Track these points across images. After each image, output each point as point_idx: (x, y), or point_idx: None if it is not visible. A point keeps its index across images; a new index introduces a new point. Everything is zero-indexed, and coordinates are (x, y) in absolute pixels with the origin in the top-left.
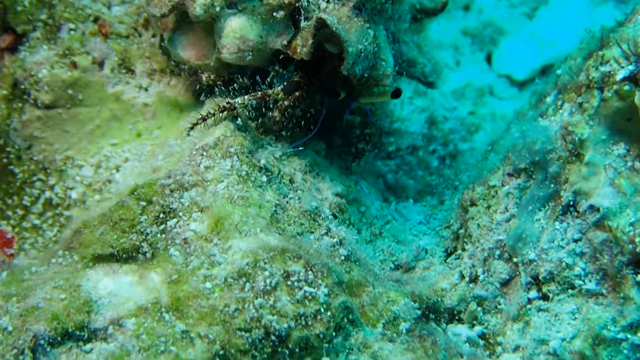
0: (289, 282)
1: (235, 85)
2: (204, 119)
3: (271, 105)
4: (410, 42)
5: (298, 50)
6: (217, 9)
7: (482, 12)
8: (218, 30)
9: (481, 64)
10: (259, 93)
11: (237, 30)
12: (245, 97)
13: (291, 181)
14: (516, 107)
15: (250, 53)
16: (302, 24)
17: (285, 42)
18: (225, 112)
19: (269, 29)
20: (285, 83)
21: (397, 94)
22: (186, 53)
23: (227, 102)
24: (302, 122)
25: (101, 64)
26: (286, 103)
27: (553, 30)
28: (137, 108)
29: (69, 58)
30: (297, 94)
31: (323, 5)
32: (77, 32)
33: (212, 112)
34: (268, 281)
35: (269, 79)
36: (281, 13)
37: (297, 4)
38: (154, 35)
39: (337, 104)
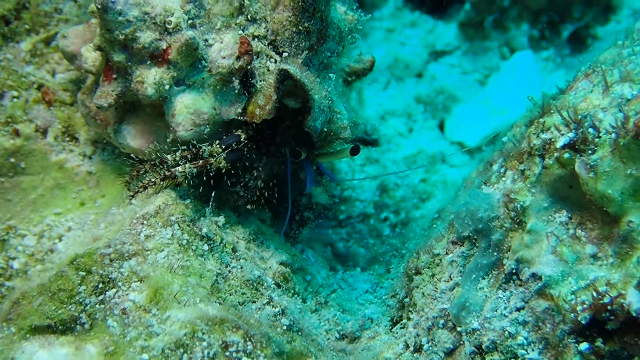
0: (227, 353)
1: (176, 154)
2: (145, 187)
3: (229, 182)
4: (346, 105)
5: (257, 112)
6: (167, 87)
7: (435, 79)
8: (169, 111)
9: (434, 131)
10: (200, 162)
11: (190, 106)
12: (187, 165)
13: (234, 250)
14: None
15: (207, 126)
16: (259, 84)
17: (239, 110)
18: (167, 181)
19: (222, 99)
20: (228, 151)
21: (355, 150)
22: (136, 142)
23: (168, 171)
24: (265, 192)
25: (44, 132)
26: (247, 177)
27: (504, 98)
28: (81, 176)
29: (11, 126)
30: (260, 162)
31: (272, 66)
32: (20, 99)
33: (152, 180)
34: (206, 352)
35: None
36: (235, 81)
37: (248, 67)
38: None
39: (284, 171)
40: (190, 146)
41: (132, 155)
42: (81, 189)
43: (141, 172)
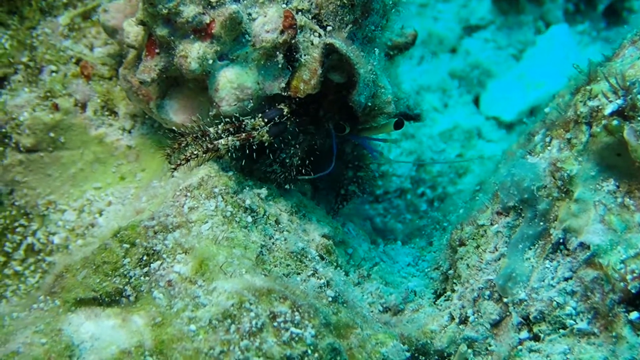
0: (275, 324)
1: (219, 126)
2: (187, 160)
3: (270, 157)
4: (389, 79)
5: (301, 87)
6: (210, 61)
7: (469, 55)
8: (212, 85)
9: (469, 106)
10: (243, 134)
11: (234, 80)
12: (229, 138)
13: (277, 222)
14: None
15: (251, 101)
16: (303, 58)
17: (283, 85)
18: (209, 154)
19: (265, 74)
20: (271, 124)
21: (399, 124)
22: (179, 117)
23: (211, 143)
24: (302, 169)
25: (84, 106)
26: (284, 155)
27: (540, 72)
28: (121, 150)
29: (50, 100)
30: (299, 138)
31: (316, 40)
32: (59, 74)
33: (195, 152)
34: (254, 322)
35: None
36: (279, 55)
37: (292, 41)
38: None
39: (325, 145)
40: (233, 119)
41: (174, 129)
42: (121, 163)
43: (183, 144)
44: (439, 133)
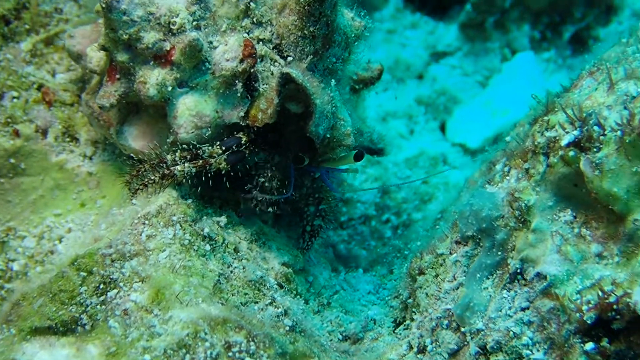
0: (230, 353)
1: (176, 153)
2: (145, 185)
3: (247, 187)
4: (352, 112)
5: (259, 116)
6: (169, 88)
7: (435, 81)
8: (171, 112)
9: (435, 132)
10: (200, 161)
11: (193, 108)
12: (186, 165)
13: (236, 250)
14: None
15: (209, 129)
16: (262, 87)
17: (242, 114)
18: (166, 180)
19: (224, 102)
20: (229, 153)
21: (359, 156)
22: (138, 143)
23: (167, 170)
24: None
25: (45, 133)
26: (262, 179)
27: (506, 99)
28: (81, 177)
29: (11, 126)
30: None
31: (275, 70)
32: (20, 100)
33: (152, 178)
34: (209, 352)
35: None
36: (238, 84)
37: (251, 70)
38: None
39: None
40: (191, 146)
41: (132, 155)
42: (81, 189)
43: (141, 171)
44: (404, 159)
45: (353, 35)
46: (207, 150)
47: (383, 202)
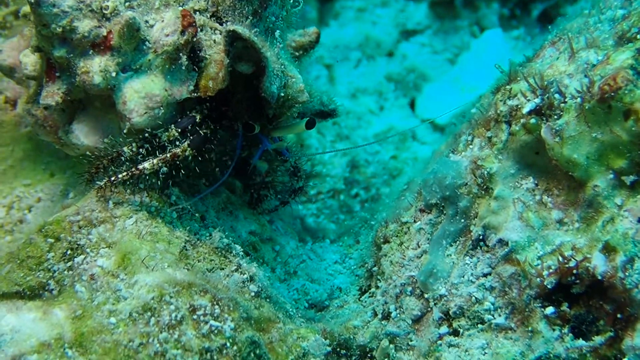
0: (195, 316)
1: (132, 144)
2: (112, 184)
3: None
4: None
5: (210, 85)
6: (113, 74)
7: (405, 58)
8: (119, 99)
9: (405, 109)
10: (168, 155)
11: (140, 90)
12: (154, 161)
13: (202, 218)
14: None
15: (161, 108)
16: (207, 55)
17: (191, 87)
18: (135, 178)
19: (172, 79)
20: (190, 137)
21: (311, 123)
22: (90, 139)
23: (136, 169)
24: (216, 167)
25: (14, 104)
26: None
27: (475, 76)
28: (51, 148)
29: None
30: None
31: (217, 37)
32: None
33: (119, 177)
34: (173, 315)
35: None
36: (183, 57)
37: (193, 39)
38: None
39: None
40: (146, 135)
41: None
42: (50, 160)
43: (100, 168)
44: (373, 134)
45: None
46: (164, 135)
47: (352, 177)
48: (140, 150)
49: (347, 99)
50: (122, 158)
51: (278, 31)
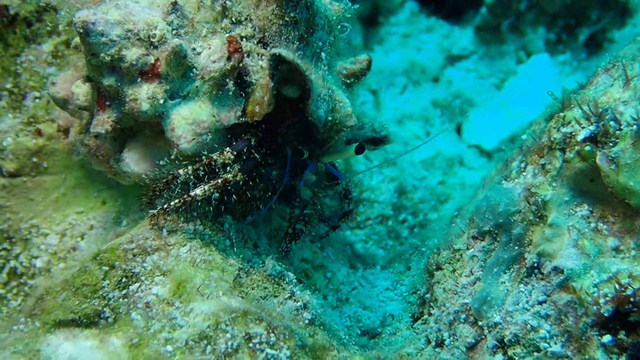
0: (251, 344)
1: (188, 167)
2: (165, 211)
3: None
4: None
5: (257, 110)
6: (161, 101)
7: (451, 84)
8: (167, 126)
9: (451, 134)
10: (219, 181)
11: (188, 116)
12: (205, 187)
13: (255, 246)
14: None
15: (209, 134)
16: (254, 79)
17: (239, 113)
18: (187, 205)
19: (219, 105)
20: (241, 162)
21: (360, 149)
22: (141, 167)
23: (188, 196)
24: (265, 193)
25: (66, 132)
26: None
27: (521, 101)
28: (103, 176)
29: (33, 126)
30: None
31: (264, 63)
32: (42, 100)
33: (172, 205)
34: (229, 343)
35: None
36: (229, 83)
37: (240, 65)
38: None
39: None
40: (202, 157)
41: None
42: (102, 188)
43: (157, 190)
44: (420, 160)
45: (335, 18)
46: (219, 159)
47: (400, 203)
48: (195, 173)
49: (394, 125)
50: (177, 181)
51: (324, 54)
